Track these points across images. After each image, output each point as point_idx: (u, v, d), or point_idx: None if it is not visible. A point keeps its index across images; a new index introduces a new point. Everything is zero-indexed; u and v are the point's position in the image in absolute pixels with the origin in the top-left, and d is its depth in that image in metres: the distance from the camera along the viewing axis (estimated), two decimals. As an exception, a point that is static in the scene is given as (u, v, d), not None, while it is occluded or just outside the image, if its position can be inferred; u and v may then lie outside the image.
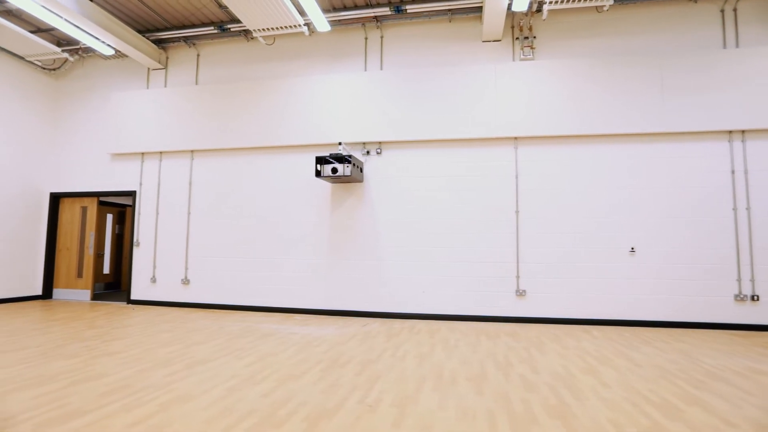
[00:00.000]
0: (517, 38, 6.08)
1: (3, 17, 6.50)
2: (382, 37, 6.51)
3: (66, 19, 5.95)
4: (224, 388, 2.94)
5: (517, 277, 5.75)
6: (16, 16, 6.59)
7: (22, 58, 7.26)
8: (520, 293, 5.71)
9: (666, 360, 3.83)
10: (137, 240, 7.12)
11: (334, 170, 5.59)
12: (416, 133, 6.10)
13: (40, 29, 6.97)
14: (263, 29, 5.97)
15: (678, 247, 5.45)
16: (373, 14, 6.13)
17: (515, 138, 5.93)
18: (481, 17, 6.20)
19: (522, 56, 6.02)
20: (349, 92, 6.37)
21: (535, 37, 6.03)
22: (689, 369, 3.55)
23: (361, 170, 6.12)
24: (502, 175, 5.92)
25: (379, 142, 6.31)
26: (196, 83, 7.17)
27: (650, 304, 5.44)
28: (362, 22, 6.38)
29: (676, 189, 5.52)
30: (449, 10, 6.10)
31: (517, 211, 5.83)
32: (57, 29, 6.93)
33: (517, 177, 5.88)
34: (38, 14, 5.75)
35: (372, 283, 6.13)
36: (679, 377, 3.32)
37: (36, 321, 5.42)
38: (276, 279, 6.47)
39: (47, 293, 7.60)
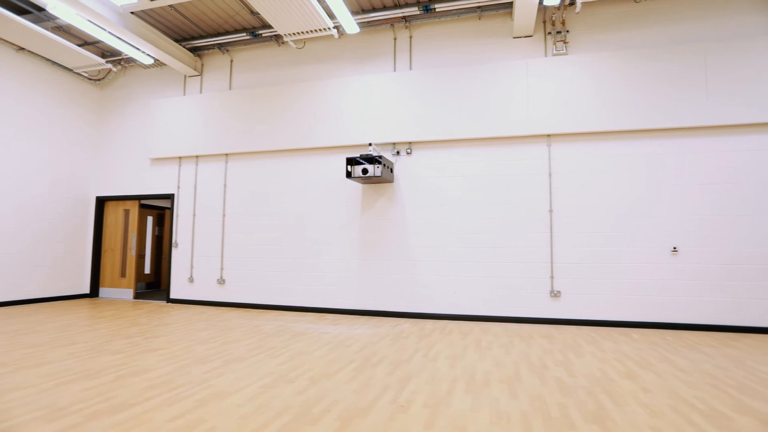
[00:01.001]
0: (549, 33, 5.94)
1: (54, 33, 6.90)
2: (410, 37, 6.50)
3: (110, 32, 6.25)
4: (259, 386, 3.01)
5: (552, 277, 5.61)
6: (65, 31, 6.98)
7: (70, 70, 7.69)
8: (555, 294, 5.57)
9: (714, 366, 3.64)
10: (175, 241, 7.39)
11: (365, 171, 5.62)
12: (446, 132, 6.06)
13: (87, 42, 7.35)
14: (294, 33, 6.08)
15: (725, 246, 5.17)
16: (401, 14, 6.13)
17: (548, 135, 5.79)
18: (511, 13, 6.09)
19: (555, 51, 5.87)
20: (379, 93, 6.40)
21: (568, 31, 5.87)
22: (741, 376, 3.36)
23: (392, 170, 6.13)
24: (535, 174, 5.79)
25: (409, 143, 6.30)
26: (230, 88, 7.38)
27: (695, 306, 5.19)
28: (391, 22, 6.39)
29: (722, 184, 5.24)
30: (478, 6, 6.02)
31: (550, 210, 5.69)
32: (102, 42, 7.29)
33: (550, 175, 5.74)
34: (85, 28, 6.08)
35: (403, 283, 6.13)
36: (729, 385, 3.14)
37: (84, 318, 5.72)
38: (308, 279, 6.57)
39: (94, 292, 8.01)
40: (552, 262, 5.62)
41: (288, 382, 3.09)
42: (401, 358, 3.83)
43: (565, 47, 5.84)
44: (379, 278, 6.24)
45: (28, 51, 7.00)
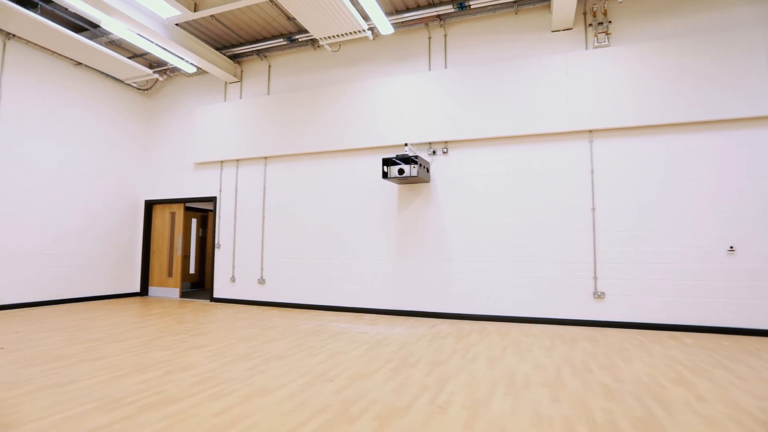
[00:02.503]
0: (590, 25, 5.72)
1: (108, 47, 7.34)
2: (445, 35, 6.44)
3: (157, 44, 6.58)
4: (299, 384, 3.07)
5: (595, 278, 5.40)
6: (117, 45, 7.40)
7: (122, 81, 8.15)
8: (598, 295, 5.36)
9: (776, 373, 3.39)
10: (218, 242, 7.67)
11: (401, 171, 5.63)
12: (483, 130, 5.96)
13: (136, 54, 7.77)
14: (329, 37, 6.17)
15: (788, 246, 4.80)
16: (435, 13, 6.09)
17: (590, 131, 5.59)
18: (549, 6, 5.92)
19: (596, 43, 5.65)
20: (414, 93, 6.38)
21: (610, 22, 5.64)
22: (806, 384, 3.11)
23: (428, 170, 6.10)
24: (576, 170, 5.59)
25: (445, 142, 6.25)
26: (268, 93, 7.58)
27: (755, 310, 4.84)
28: (425, 22, 6.36)
29: (785, 180, 4.87)
30: (515, 2, 5.89)
31: (593, 208, 5.48)
32: (149, 53, 7.68)
33: (592, 172, 5.53)
34: (135, 42, 6.43)
35: (440, 283, 6.08)
36: (793, 393, 2.92)
37: (135, 315, 6.03)
38: (345, 279, 6.64)
39: (144, 290, 8.44)
40: (595, 262, 5.42)
41: (326, 381, 3.14)
42: (439, 358, 3.81)
43: (608, 39, 5.61)
44: (416, 278, 6.22)
45: (85, 65, 7.47)
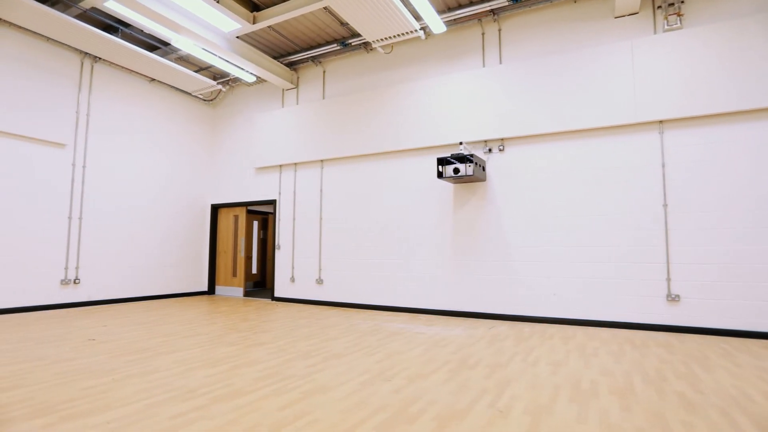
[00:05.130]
0: (659, 7, 5.33)
1: (177, 63, 7.90)
2: (499, 30, 6.28)
3: (220, 57, 6.98)
4: (358, 382, 3.12)
5: (668, 279, 5.01)
6: (185, 60, 7.95)
7: (189, 93, 8.74)
8: (673, 298, 4.97)
9: None
10: (278, 243, 7.99)
11: (456, 170, 5.56)
12: (541, 126, 5.74)
13: (201, 68, 8.29)
14: (381, 39, 6.23)
15: None
16: (489, 8, 5.96)
17: (660, 122, 5.20)
18: (612, -9, 5.58)
19: (666, 26, 5.25)
20: (468, 90, 6.28)
21: (682, 2, 5.22)
22: None
23: (484, 169, 5.97)
24: (645, 165, 5.23)
25: (501, 139, 6.09)
26: (323, 98, 7.79)
27: None
28: (478, 17, 6.24)
29: None
30: (574, -11, 5.62)
31: (665, 205, 5.10)
32: (213, 66, 8.17)
33: (664, 165, 5.14)
34: (201, 56, 6.89)
35: (498, 284, 5.93)
36: None
37: (204, 313, 6.43)
38: (401, 280, 6.67)
39: (211, 289, 8.98)
40: (668, 263, 5.03)
41: (385, 380, 3.16)
42: (498, 361, 3.71)
43: (680, 20, 5.19)
44: (473, 279, 6.11)
45: (158, 81, 8.10)
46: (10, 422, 2.35)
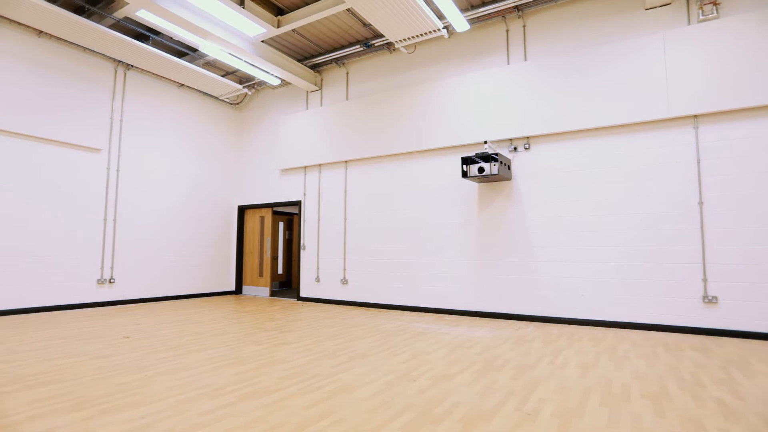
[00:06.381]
0: (692, -2, 5.13)
1: (205, 68, 8.11)
2: (524, 26, 6.18)
3: (245, 61, 7.13)
4: (383, 382, 3.13)
5: (704, 280, 4.81)
6: (212, 65, 8.15)
7: (216, 98, 8.96)
8: (709, 300, 4.77)
9: None
10: (303, 244, 8.09)
11: (481, 170, 5.50)
12: (568, 123, 5.61)
13: (228, 72, 8.48)
14: (404, 39, 6.22)
15: None
16: (513, 4, 5.86)
17: (694, 116, 5.00)
18: (642, -18, 5.40)
19: (701, 16, 5.05)
20: (492, 89, 6.20)
21: (718, -8, 5.00)
22: None
23: (509, 168, 5.88)
24: (678, 161, 5.04)
25: (527, 137, 5.99)
26: (347, 99, 7.84)
27: None
28: (502, 14, 6.15)
29: None
30: (601, -18, 5.47)
31: (700, 203, 4.90)
32: (239, 70, 8.34)
33: (699, 161, 4.94)
34: (227, 61, 7.05)
35: (524, 284, 5.83)
36: None
37: (232, 312, 6.57)
38: (425, 280, 6.64)
39: (239, 289, 9.16)
40: (704, 263, 4.83)
41: (410, 381, 3.16)
42: (525, 362, 3.65)
43: (716, 10, 4.98)
44: (499, 279, 6.03)
45: (187, 86, 8.33)
46: (52, 415, 2.47)
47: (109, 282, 7.10)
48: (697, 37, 4.96)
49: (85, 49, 6.88)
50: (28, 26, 6.15)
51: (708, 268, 4.82)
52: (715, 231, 4.81)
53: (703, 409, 2.59)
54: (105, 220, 7.09)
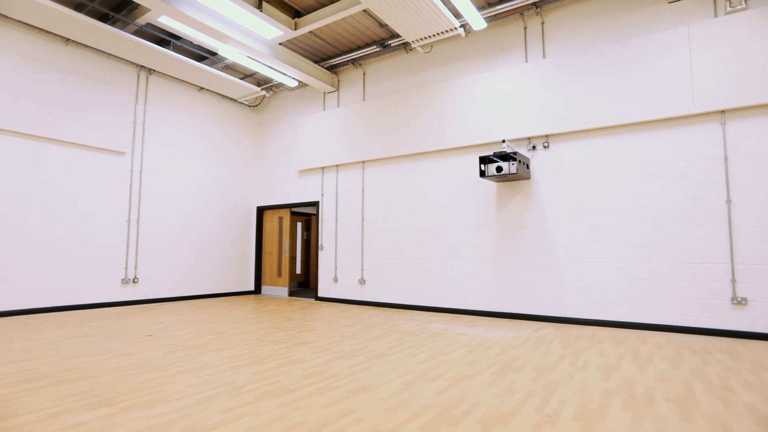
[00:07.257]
0: (718, -10, 4.97)
1: (224, 72, 8.24)
2: (542, 23, 6.09)
3: (263, 63, 7.22)
4: (401, 382, 3.12)
5: (733, 281, 4.66)
6: (231, 68, 8.28)
7: (234, 100, 9.10)
8: (739, 301, 4.61)
9: None
10: (321, 244, 8.14)
11: (499, 169, 5.44)
12: (588, 121, 5.51)
13: (246, 75, 8.60)
14: (421, 39, 6.21)
15: None
16: (531, 1, 5.79)
17: (722, 111, 4.85)
18: (665, -25, 5.27)
19: (728, 8, 4.89)
20: (510, 87, 6.13)
21: (745, -17, 4.84)
22: None
23: (528, 167, 5.81)
24: (705, 158, 4.89)
25: (546, 136, 5.90)
26: (363, 99, 7.86)
27: None
28: (520, 12, 6.08)
29: None
30: (622, -24, 5.35)
31: (728, 201, 4.74)
32: (257, 73, 8.45)
33: (726, 159, 4.78)
34: (246, 64, 7.15)
35: (543, 285, 5.75)
36: None
37: (251, 312, 6.66)
38: (443, 280, 6.61)
39: (257, 289, 9.28)
40: (733, 263, 4.67)
41: (428, 381, 3.14)
42: (545, 364, 3.59)
43: (745, 1, 4.81)
44: (517, 279, 5.95)
45: (206, 89, 8.48)
46: (76, 411, 2.54)
47: (133, 282, 7.28)
48: (723, 29, 4.81)
49: (109, 55, 7.07)
50: (56, 34, 6.36)
51: (737, 269, 4.66)
52: (745, 230, 4.65)
53: (732, 414, 2.51)
54: (129, 221, 7.27)
